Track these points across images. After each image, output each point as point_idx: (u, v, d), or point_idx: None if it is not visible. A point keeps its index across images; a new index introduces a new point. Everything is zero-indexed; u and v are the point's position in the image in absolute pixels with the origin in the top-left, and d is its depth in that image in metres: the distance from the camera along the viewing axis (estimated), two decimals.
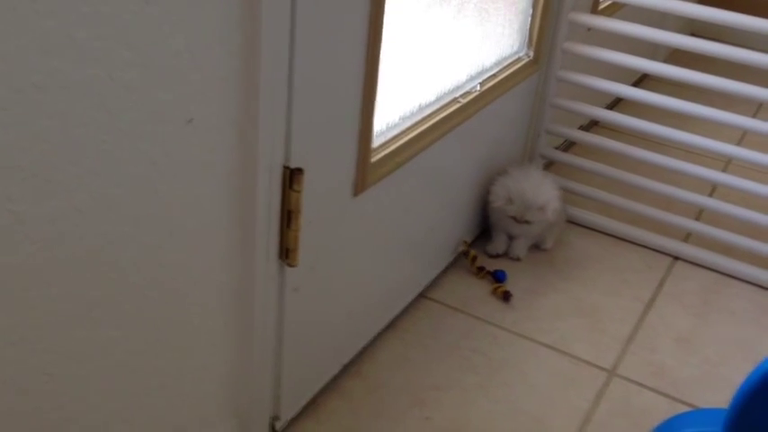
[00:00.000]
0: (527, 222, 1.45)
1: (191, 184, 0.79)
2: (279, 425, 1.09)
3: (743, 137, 2.03)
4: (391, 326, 1.32)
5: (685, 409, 1.22)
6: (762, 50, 1.40)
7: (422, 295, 1.40)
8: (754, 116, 2.08)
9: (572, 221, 1.64)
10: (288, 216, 0.94)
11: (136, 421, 0.85)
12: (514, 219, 1.45)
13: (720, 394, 1.24)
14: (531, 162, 1.67)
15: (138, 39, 0.67)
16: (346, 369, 1.22)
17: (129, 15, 0.65)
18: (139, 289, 0.78)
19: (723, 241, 1.54)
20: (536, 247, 1.56)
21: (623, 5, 1.76)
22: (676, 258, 1.58)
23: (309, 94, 0.91)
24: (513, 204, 1.43)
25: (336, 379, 1.20)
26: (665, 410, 1.21)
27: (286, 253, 0.96)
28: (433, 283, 1.43)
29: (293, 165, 0.92)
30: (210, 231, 0.84)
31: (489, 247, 1.51)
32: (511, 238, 1.51)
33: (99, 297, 0.74)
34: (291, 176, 0.92)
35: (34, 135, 0.62)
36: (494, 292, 1.42)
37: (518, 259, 1.51)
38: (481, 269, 1.45)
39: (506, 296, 1.41)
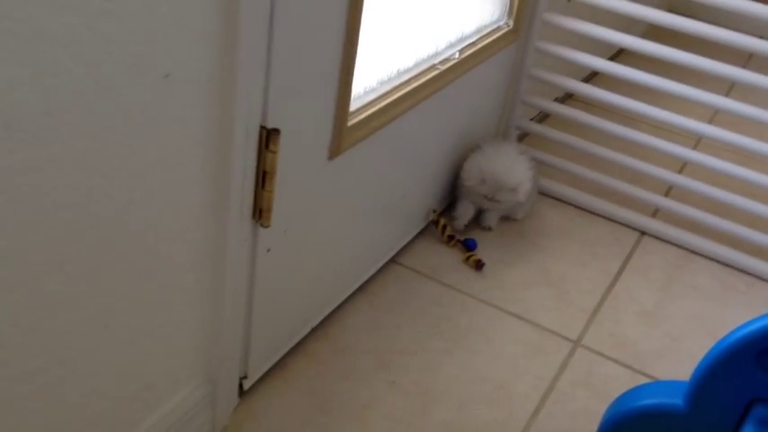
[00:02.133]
0: (498, 201, 1.45)
1: (166, 139, 0.78)
2: (247, 383, 1.09)
3: (714, 115, 2.05)
4: (361, 290, 1.33)
5: (646, 380, 1.25)
6: (736, 29, 1.41)
7: (393, 261, 1.41)
8: (726, 95, 2.11)
9: (543, 193, 1.66)
10: (263, 176, 0.93)
11: (105, 376, 0.84)
12: (485, 197, 1.45)
13: (681, 367, 1.27)
14: (505, 135, 1.67)
15: None
16: (315, 331, 1.23)
17: None
18: (111, 243, 0.77)
19: (690, 218, 1.57)
20: (506, 217, 1.57)
21: None
22: (644, 233, 1.60)
23: (289, 55, 0.90)
24: (486, 184, 1.43)
25: (304, 341, 1.21)
26: (627, 381, 1.23)
27: (260, 213, 0.96)
28: (405, 250, 1.44)
29: (270, 125, 0.91)
30: (184, 188, 0.83)
31: (456, 222, 1.49)
32: (480, 209, 1.52)
33: (70, 250, 0.73)
34: (268, 137, 0.91)
35: (6, 83, 0.60)
36: (466, 261, 1.43)
37: (489, 229, 1.52)
38: (452, 238, 1.46)
39: (479, 265, 1.42)
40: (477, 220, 1.53)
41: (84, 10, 0.63)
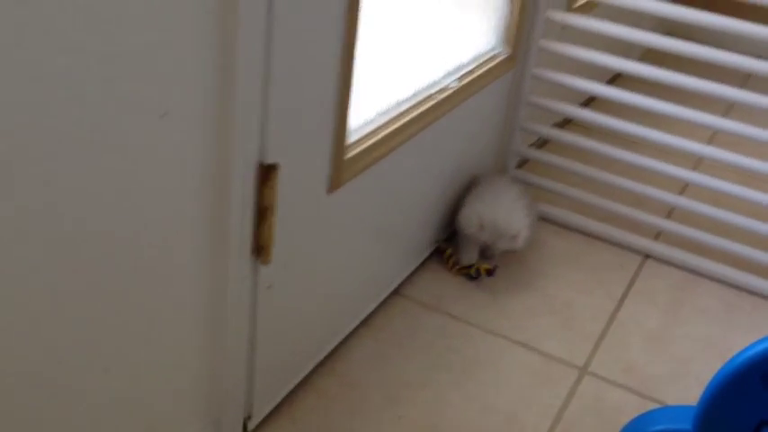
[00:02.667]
0: (497, 248, 1.43)
1: (165, 177, 0.78)
2: (251, 424, 1.08)
3: (713, 136, 2.05)
4: (365, 323, 1.32)
5: (655, 406, 1.23)
6: (734, 51, 1.42)
7: (396, 292, 1.40)
8: (724, 116, 2.10)
9: (544, 219, 1.65)
10: (262, 213, 0.93)
11: (106, 419, 0.83)
12: (485, 244, 1.42)
13: (690, 391, 1.25)
14: (504, 163, 1.66)
15: (114, 30, 0.65)
16: (320, 367, 1.22)
17: (105, 5, 0.64)
18: (111, 285, 0.76)
19: (693, 239, 1.56)
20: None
21: (598, 4, 1.76)
22: (647, 256, 1.59)
23: (285, 90, 0.90)
24: (485, 231, 1.41)
25: (310, 377, 1.20)
26: (635, 408, 1.22)
27: (259, 250, 0.95)
28: (408, 281, 1.43)
29: (268, 161, 0.90)
30: (184, 226, 0.83)
31: (463, 259, 1.47)
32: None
33: (69, 293, 0.72)
34: (266, 173, 0.90)
35: (6, 129, 0.60)
36: (476, 272, 1.42)
37: (494, 267, 1.47)
38: (456, 264, 1.45)
39: (490, 272, 1.41)
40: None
41: (85, 52, 0.64)
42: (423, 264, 1.47)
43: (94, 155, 0.69)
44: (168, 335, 0.87)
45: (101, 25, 0.64)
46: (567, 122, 2.01)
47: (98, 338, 0.78)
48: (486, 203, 1.43)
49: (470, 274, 1.44)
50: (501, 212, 1.41)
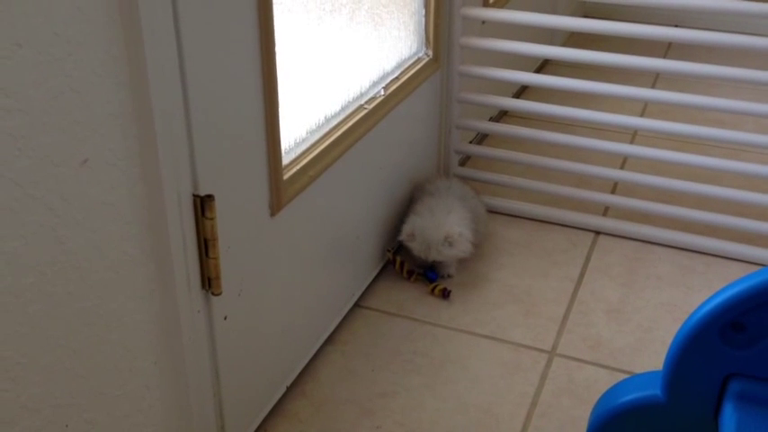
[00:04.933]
0: (435, 260, 1.41)
1: (95, 225, 0.77)
2: None
3: (645, 108, 2.10)
4: (330, 340, 1.32)
5: (625, 377, 1.25)
6: (652, 23, 1.45)
7: (357, 305, 1.40)
8: (652, 87, 2.16)
9: (494, 211, 1.67)
10: (205, 244, 0.92)
11: None
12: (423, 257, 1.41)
13: (658, 357, 1.27)
14: (446, 163, 1.68)
15: (15, 83, 0.65)
16: (291, 390, 1.21)
17: (1, 61, 0.63)
18: (55, 340, 0.75)
19: (640, 210, 1.59)
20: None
21: None
22: (598, 233, 1.62)
23: (209, 120, 0.90)
24: (416, 242, 1.40)
25: (282, 402, 1.19)
26: (607, 382, 1.23)
27: (209, 282, 0.95)
28: (367, 292, 1.43)
29: (203, 192, 0.90)
30: (124, 271, 0.82)
31: (418, 263, 1.46)
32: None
33: (12, 354, 0.71)
34: (203, 204, 0.90)
35: None
36: (432, 292, 1.43)
37: (449, 276, 1.47)
38: (411, 273, 1.46)
39: (445, 293, 1.42)
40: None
41: None
42: (380, 273, 1.48)
43: (17, 212, 0.68)
44: (125, 383, 0.86)
45: (1, 81, 0.64)
46: (503, 114, 2.04)
47: (51, 395, 0.76)
48: (418, 214, 1.41)
49: (426, 275, 1.44)
50: (431, 223, 1.39)
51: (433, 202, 1.44)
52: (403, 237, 1.41)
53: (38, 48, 0.66)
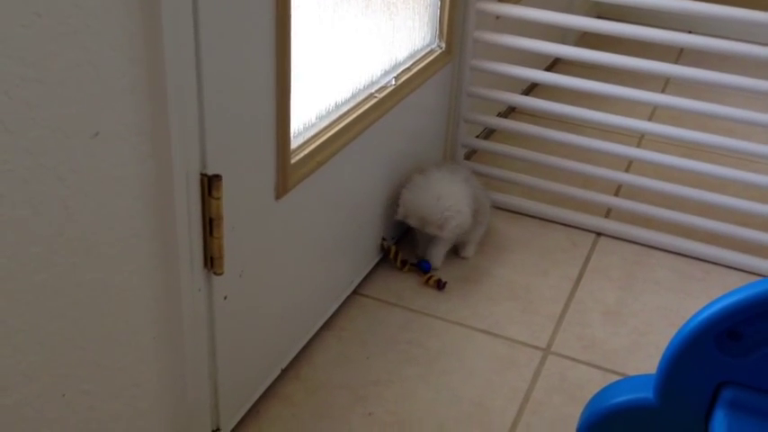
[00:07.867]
0: (434, 234, 1.40)
1: (103, 198, 0.77)
2: None
3: (653, 112, 2.10)
4: (327, 325, 1.32)
5: (617, 378, 1.25)
6: (665, 27, 1.45)
7: (355, 292, 1.41)
8: (662, 91, 2.16)
9: (497, 207, 1.67)
10: (210, 224, 0.93)
11: None
12: (419, 230, 1.41)
13: (651, 361, 1.28)
14: (452, 155, 1.68)
15: (33, 52, 0.65)
16: (285, 373, 1.22)
17: (21, 29, 0.63)
18: (60, 310, 0.76)
19: (642, 214, 1.59)
20: (455, 253, 1.52)
21: None
22: (599, 234, 1.62)
23: (221, 100, 0.90)
24: (410, 218, 1.40)
25: (275, 384, 1.20)
26: (600, 382, 1.24)
27: (211, 262, 0.95)
28: (366, 280, 1.44)
29: (210, 171, 0.91)
30: (129, 245, 0.83)
31: (419, 251, 1.48)
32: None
33: (16, 322, 0.71)
34: (210, 183, 0.90)
35: None
36: (426, 282, 1.43)
37: (435, 268, 1.46)
38: (405, 263, 1.46)
39: (440, 284, 1.42)
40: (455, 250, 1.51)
41: (1, 78, 0.63)
42: (380, 262, 1.48)
43: (28, 182, 0.68)
44: (125, 356, 0.87)
45: (20, 50, 0.64)
46: (511, 111, 2.04)
47: (51, 364, 0.77)
48: (411, 190, 1.40)
49: (419, 266, 1.44)
50: (426, 198, 1.37)
51: (426, 180, 1.41)
52: (400, 216, 1.41)
53: (57, 18, 0.66)
